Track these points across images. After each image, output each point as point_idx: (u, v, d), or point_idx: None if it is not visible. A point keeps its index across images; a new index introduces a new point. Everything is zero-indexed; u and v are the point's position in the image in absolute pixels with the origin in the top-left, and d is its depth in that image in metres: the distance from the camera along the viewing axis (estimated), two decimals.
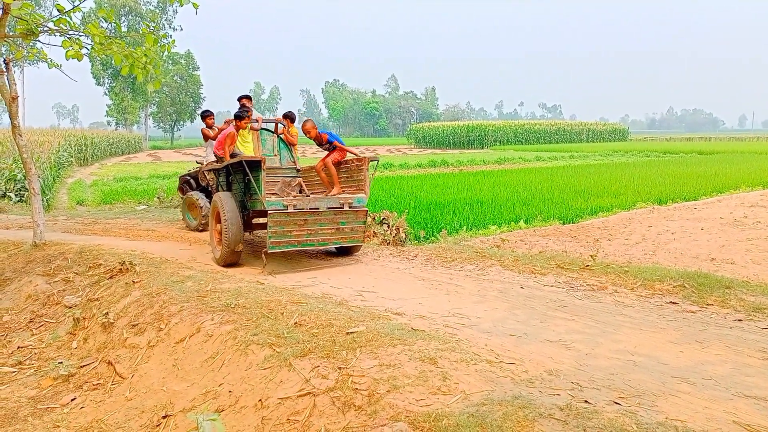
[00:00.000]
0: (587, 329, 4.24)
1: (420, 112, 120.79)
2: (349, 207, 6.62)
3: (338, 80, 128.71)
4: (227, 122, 8.33)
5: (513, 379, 3.27)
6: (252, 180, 6.43)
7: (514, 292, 5.48)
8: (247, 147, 8.02)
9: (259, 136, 8.72)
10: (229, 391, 3.78)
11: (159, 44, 8.29)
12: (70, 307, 6.04)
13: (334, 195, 6.95)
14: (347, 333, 4.08)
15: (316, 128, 7.43)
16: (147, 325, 5.02)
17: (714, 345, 3.88)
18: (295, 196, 7.22)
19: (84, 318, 5.73)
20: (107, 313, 5.40)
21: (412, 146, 62.33)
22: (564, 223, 10.70)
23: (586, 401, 2.94)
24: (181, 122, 70.76)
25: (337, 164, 7.59)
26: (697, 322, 4.41)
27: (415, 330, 4.14)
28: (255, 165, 6.52)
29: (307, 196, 7.16)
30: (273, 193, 7.45)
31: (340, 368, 3.54)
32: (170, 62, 63.69)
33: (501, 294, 5.40)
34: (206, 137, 9.37)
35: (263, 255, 6.59)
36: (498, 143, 59.18)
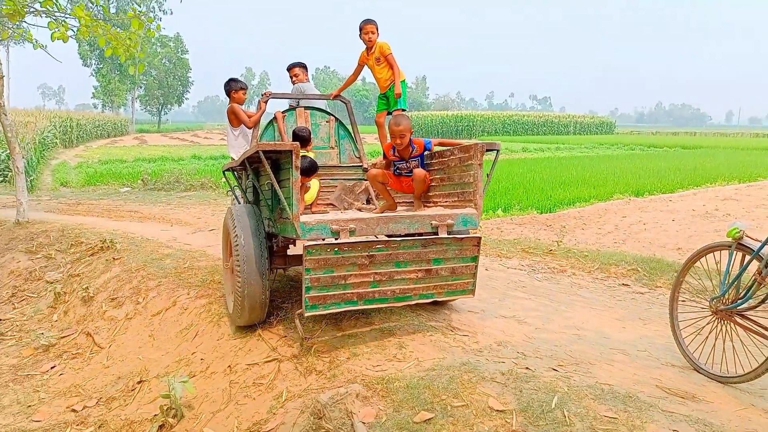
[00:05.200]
0: (541, 307, 4.51)
1: (410, 101, 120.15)
2: (449, 233, 3.78)
3: (329, 67, 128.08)
4: (264, 97, 5.74)
5: (464, 349, 3.53)
6: (276, 185, 3.59)
7: (479, 273, 5.71)
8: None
9: (308, 119, 5.76)
10: (201, 359, 4.02)
11: (144, 28, 8.42)
12: (52, 282, 6.22)
13: (421, 210, 4.10)
14: None
15: (411, 131, 4.27)
16: (125, 299, 5.23)
17: (655, 322, 4.16)
18: (359, 209, 4.78)
19: (65, 292, 5.92)
20: (87, 288, 5.60)
21: None
22: (541, 213, 10.98)
23: (527, 368, 3.20)
24: (169, 106, 70.31)
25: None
26: (644, 302, 4.71)
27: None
28: (280, 157, 3.71)
29: (375, 212, 4.18)
30: (325, 207, 4.82)
31: (305, 338, 3.78)
32: (159, 45, 63.12)
33: None
34: (236, 121, 5.88)
35: (296, 319, 3.89)
36: (486, 134, 59.50)
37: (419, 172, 4.18)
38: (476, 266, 3.89)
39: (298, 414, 3.03)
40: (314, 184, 4.57)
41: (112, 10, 50.91)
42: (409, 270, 3.69)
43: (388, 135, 4.58)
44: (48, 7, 7.72)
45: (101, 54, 56.85)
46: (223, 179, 14.56)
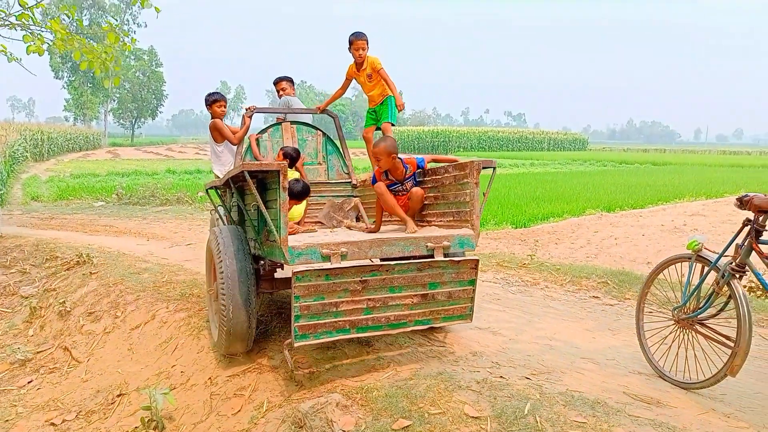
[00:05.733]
0: (515, 319, 4.65)
1: None
2: (445, 255, 3.64)
3: (305, 81, 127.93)
4: (248, 111, 5.62)
5: (440, 359, 3.64)
6: (262, 206, 3.40)
7: None
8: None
9: (294, 134, 5.62)
10: (181, 372, 4.06)
11: (120, 42, 8.43)
12: (27, 297, 6.17)
13: (413, 232, 3.77)
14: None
15: (394, 154, 4.03)
16: (103, 313, 5.23)
17: (623, 332, 4.33)
18: (349, 227, 4.62)
19: (40, 307, 5.88)
20: (64, 302, 5.58)
21: None
22: (516, 227, 11.19)
23: (501, 377, 3.32)
24: (142, 119, 69.71)
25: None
26: (613, 314, 4.88)
27: None
28: (266, 177, 3.57)
29: (369, 231, 4.06)
30: (313, 225, 4.74)
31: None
32: (133, 58, 62.73)
33: None
34: (219, 137, 5.74)
35: (285, 349, 3.68)
36: (462, 149, 60.17)
37: (417, 191, 4.04)
38: (474, 290, 3.68)
39: (280, 423, 3.10)
40: (299, 206, 4.48)
41: (85, 23, 50.44)
42: (404, 295, 3.51)
43: None
44: (24, 20, 7.71)
45: (73, 66, 56.25)
46: (200, 194, 14.55)
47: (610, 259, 8.46)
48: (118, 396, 4.10)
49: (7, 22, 7.97)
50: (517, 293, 5.58)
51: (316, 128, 5.76)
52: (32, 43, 7.63)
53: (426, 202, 4.19)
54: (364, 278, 3.37)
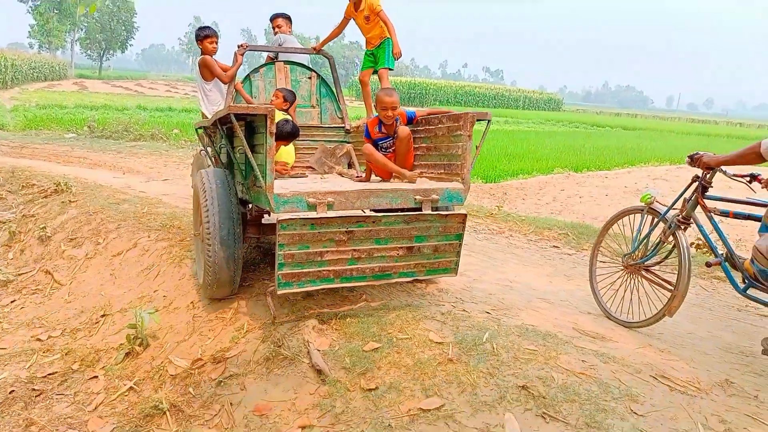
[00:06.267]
0: (480, 263, 4.97)
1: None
2: (433, 208, 3.61)
3: None
4: (240, 49, 5.43)
5: (408, 293, 3.94)
6: (248, 152, 3.33)
7: None
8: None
9: (288, 75, 5.44)
10: (164, 296, 4.28)
11: None
12: (5, 222, 6.24)
13: (404, 183, 3.77)
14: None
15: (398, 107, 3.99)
16: (85, 239, 5.37)
17: (577, 278, 4.69)
18: (341, 174, 4.63)
19: (20, 232, 5.98)
20: (44, 228, 5.69)
21: (353, 99, 62.11)
22: (486, 182, 11.51)
23: (464, 310, 3.63)
24: (111, 51, 67.32)
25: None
26: (570, 262, 5.25)
27: None
28: (254, 120, 3.55)
29: (359, 180, 4.12)
30: (304, 170, 4.77)
31: (264, 280, 4.09)
32: None
33: None
34: (209, 74, 5.60)
35: (267, 297, 3.69)
36: (439, 103, 59.89)
37: (403, 129, 3.91)
38: (460, 244, 3.66)
39: (259, 343, 3.37)
40: (289, 148, 4.46)
41: None
42: (390, 247, 3.46)
43: (374, 107, 4.25)
44: None
45: None
46: (175, 131, 14.40)
47: (573, 215, 8.85)
48: (102, 316, 4.31)
49: None
50: (482, 240, 5.89)
51: (311, 69, 5.59)
52: None
53: (417, 153, 4.15)
54: (350, 229, 3.33)
